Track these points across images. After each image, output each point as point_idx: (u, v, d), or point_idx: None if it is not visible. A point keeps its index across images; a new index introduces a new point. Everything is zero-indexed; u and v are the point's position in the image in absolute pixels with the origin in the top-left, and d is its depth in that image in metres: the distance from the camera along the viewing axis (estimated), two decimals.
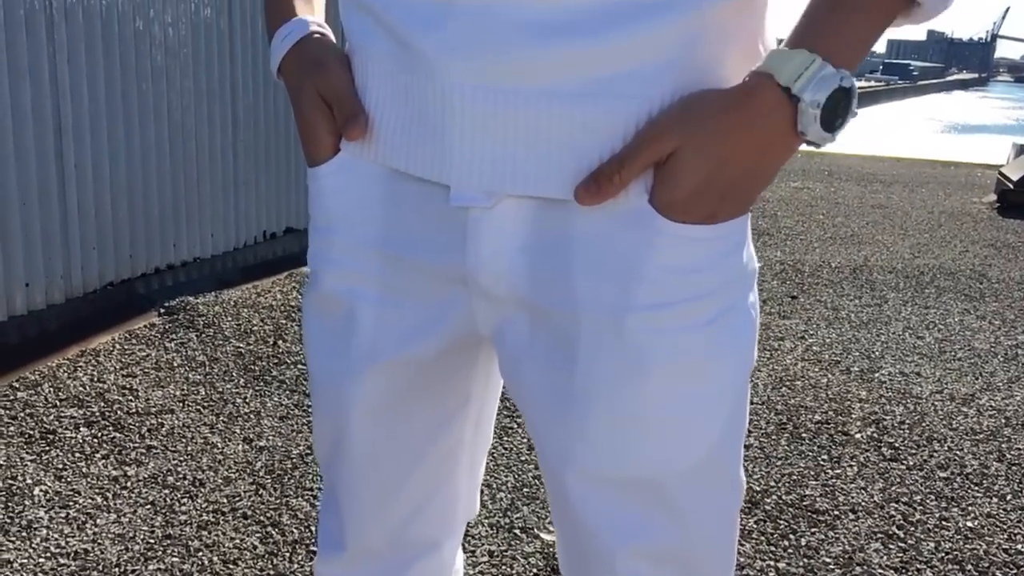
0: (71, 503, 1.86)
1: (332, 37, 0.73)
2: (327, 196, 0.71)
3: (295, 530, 1.80)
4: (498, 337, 0.69)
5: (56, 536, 1.75)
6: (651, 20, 0.57)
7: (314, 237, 0.74)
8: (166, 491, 1.92)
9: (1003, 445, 2.31)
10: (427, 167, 0.64)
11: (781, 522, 1.89)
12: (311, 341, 0.76)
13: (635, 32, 0.57)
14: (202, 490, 1.93)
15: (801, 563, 1.75)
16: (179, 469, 2.02)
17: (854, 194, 6.50)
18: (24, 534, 1.75)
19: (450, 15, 0.59)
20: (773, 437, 2.30)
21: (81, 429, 2.18)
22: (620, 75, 0.58)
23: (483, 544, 1.78)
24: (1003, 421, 2.46)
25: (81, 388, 2.39)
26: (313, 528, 1.82)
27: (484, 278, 0.66)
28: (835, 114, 0.57)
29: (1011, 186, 6.17)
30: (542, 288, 0.64)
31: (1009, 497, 2.04)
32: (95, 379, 2.45)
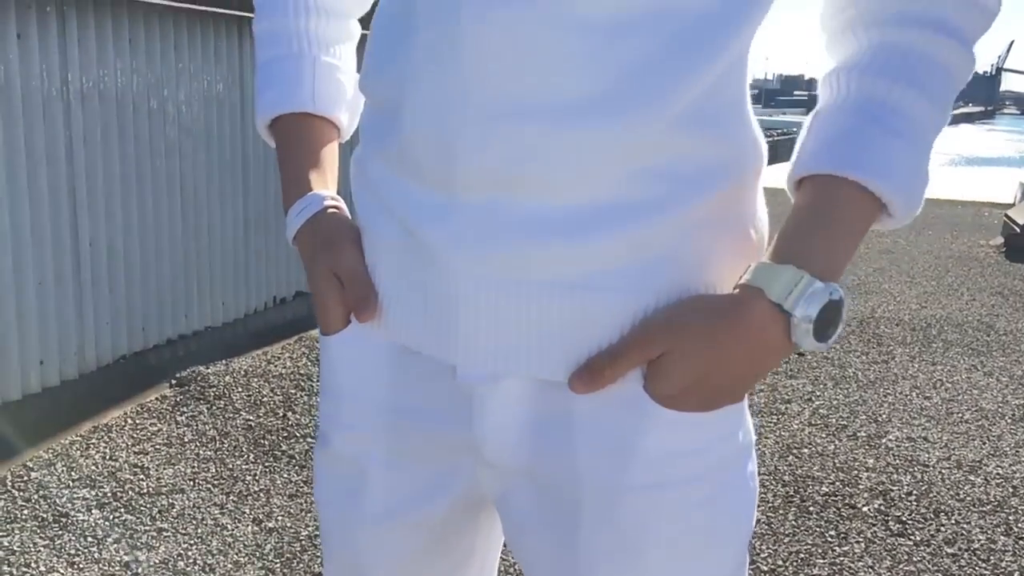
0: None
1: (346, 211, 0.76)
2: (337, 364, 0.74)
3: None
4: (502, 503, 0.72)
5: None
6: (644, 219, 0.61)
7: (324, 399, 0.77)
8: None
9: (1010, 517, 2.30)
10: (434, 347, 0.67)
11: None
12: (322, 494, 0.79)
13: (629, 230, 0.60)
14: None
15: None
16: (189, 553, 2.04)
17: None
18: None
19: (453, 209, 0.62)
20: (780, 511, 2.30)
21: (93, 511, 2.20)
22: (618, 270, 0.61)
23: None
24: (1010, 491, 2.45)
25: (94, 467, 2.42)
26: None
27: (489, 450, 0.68)
28: (826, 325, 0.59)
29: (1018, 230, 6.18)
30: (545, 462, 0.66)
31: (1016, 574, 2.03)
32: (107, 457, 2.49)
